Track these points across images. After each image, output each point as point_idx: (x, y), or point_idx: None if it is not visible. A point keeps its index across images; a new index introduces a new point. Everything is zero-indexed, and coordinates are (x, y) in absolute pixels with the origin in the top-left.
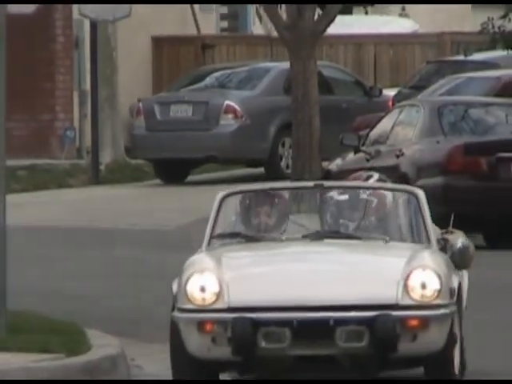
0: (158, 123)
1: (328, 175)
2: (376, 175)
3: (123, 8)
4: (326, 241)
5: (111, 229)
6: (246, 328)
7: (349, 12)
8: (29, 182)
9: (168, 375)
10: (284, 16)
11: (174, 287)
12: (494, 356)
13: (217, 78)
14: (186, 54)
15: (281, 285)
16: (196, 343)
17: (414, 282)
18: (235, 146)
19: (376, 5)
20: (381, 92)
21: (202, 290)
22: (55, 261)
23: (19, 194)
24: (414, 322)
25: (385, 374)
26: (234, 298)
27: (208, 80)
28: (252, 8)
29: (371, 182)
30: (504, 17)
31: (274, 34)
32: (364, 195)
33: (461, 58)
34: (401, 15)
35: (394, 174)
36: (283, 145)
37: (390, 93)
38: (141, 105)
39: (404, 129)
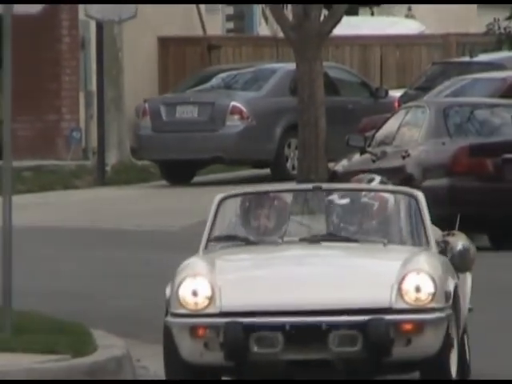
0: (164, 124)
1: (334, 176)
2: (377, 178)
3: (129, 8)
4: (324, 244)
5: (116, 229)
6: (237, 333)
7: (355, 13)
8: (34, 183)
9: None
10: (290, 17)
11: (167, 291)
12: (502, 357)
13: (223, 79)
14: (192, 55)
15: (273, 289)
16: (189, 348)
17: (408, 285)
18: (241, 146)
19: (382, 6)
20: (387, 93)
21: (195, 294)
22: (60, 261)
23: (25, 195)
24: (407, 326)
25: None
26: (226, 303)
27: (214, 81)
28: (258, 9)
29: (370, 185)
30: (510, 18)
31: (280, 34)
32: (363, 198)
33: (466, 59)
34: (407, 16)
35: (399, 175)
36: (289, 146)
37: (395, 94)
38: (147, 105)
39: (410, 130)
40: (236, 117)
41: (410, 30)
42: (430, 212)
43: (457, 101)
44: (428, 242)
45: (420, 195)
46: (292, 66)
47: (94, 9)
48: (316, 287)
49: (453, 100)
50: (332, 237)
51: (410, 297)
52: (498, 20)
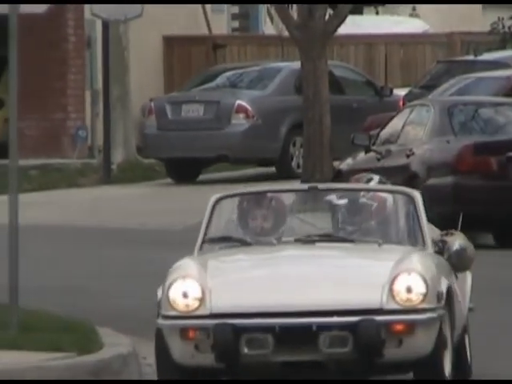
0: (170, 123)
1: (339, 175)
2: (376, 178)
3: (135, 8)
4: (318, 244)
5: (121, 228)
6: (227, 335)
7: (359, 12)
8: (40, 182)
9: None
10: (295, 16)
11: (159, 293)
12: (504, 358)
13: (228, 78)
14: (198, 54)
15: (264, 290)
16: (180, 350)
17: (399, 285)
18: (246, 145)
19: (387, 5)
20: (391, 92)
21: (185, 296)
22: (66, 259)
23: (31, 194)
24: (399, 327)
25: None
26: (216, 304)
27: (219, 80)
28: (263, 8)
29: (367, 185)
30: None
31: (285, 33)
32: (359, 198)
33: (471, 57)
34: (411, 15)
35: (404, 173)
36: (294, 144)
37: (400, 92)
38: (152, 104)
39: (414, 128)
40: (241, 115)
41: (414, 29)
42: (432, 211)
43: (461, 99)
44: (424, 242)
45: (417, 195)
46: (297, 64)
47: (100, 8)
48: (307, 288)
49: (457, 98)
50: (327, 237)
51: (401, 297)
52: (503, 19)
